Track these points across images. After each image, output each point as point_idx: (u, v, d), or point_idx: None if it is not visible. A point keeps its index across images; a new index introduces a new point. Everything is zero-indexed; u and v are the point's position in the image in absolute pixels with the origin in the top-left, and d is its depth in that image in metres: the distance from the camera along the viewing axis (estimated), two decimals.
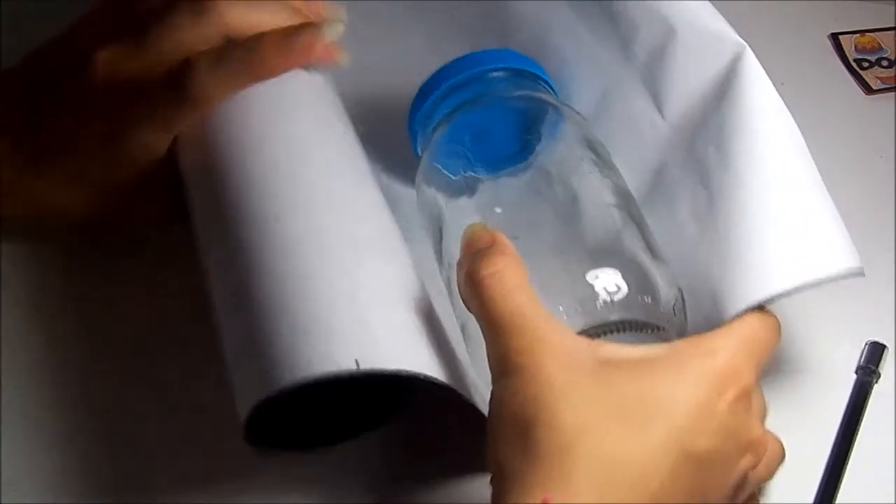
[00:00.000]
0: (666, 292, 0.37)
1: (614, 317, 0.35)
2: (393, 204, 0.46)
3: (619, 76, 0.46)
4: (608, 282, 0.36)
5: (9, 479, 0.38)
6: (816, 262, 0.37)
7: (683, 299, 0.38)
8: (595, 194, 0.40)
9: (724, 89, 0.41)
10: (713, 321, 0.36)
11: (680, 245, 0.40)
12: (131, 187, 0.42)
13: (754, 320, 0.35)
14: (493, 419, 0.32)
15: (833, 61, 0.57)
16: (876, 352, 0.43)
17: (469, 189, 0.41)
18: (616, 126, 0.45)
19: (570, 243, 0.38)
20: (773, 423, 0.42)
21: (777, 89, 0.55)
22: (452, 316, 0.40)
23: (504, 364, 0.32)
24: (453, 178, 0.41)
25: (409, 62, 0.50)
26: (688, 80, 0.43)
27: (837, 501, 0.40)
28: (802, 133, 0.53)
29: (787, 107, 0.52)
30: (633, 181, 0.42)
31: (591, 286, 0.36)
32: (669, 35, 0.43)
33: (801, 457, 0.41)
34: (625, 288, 0.36)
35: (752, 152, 0.39)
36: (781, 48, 0.57)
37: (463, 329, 0.38)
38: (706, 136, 0.41)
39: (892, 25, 0.59)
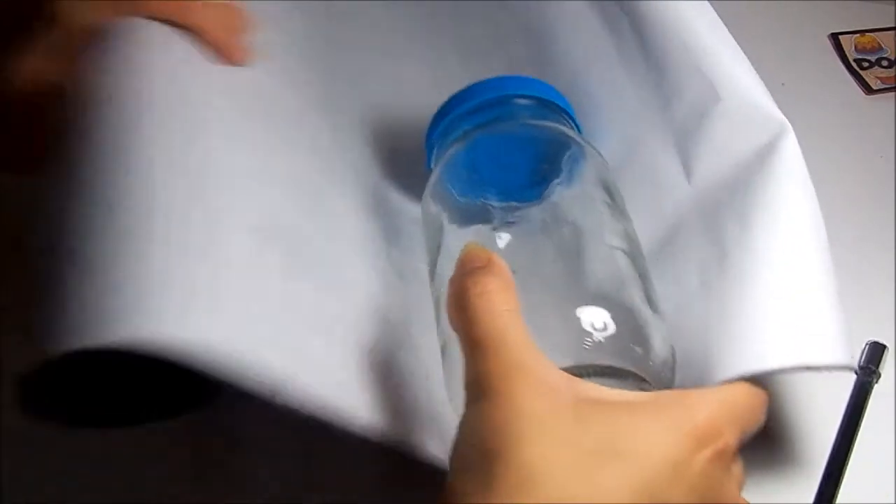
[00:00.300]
0: (658, 347, 0.36)
1: (602, 360, 0.34)
2: (398, 219, 0.46)
3: (650, 131, 0.45)
4: (596, 319, 0.35)
5: None
6: (810, 349, 0.36)
7: (674, 359, 0.37)
8: (603, 237, 0.39)
9: (758, 165, 0.41)
10: (700, 385, 0.36)
11: (681, 305, 0.39)
12: (24, 122, 0.39)
13: (743, 388, 0.34)
14: (458, 444, 0.31)
15: (833, 61, 0.57)
16: (876, 352, 0.43)
17: (475, 212, 0.40)
18: (638, 179, 0.45)
19: (570, 283, 0.37)
20: (774, 424, 0.42)
21: (777, 89, 0.55)
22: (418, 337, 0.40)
23: (479, 387, 0.31)
24: (461, 198, 0.41)
25: (440, 83, 0.48)
26: (723, 150, 0.42)
27: (837, 501, 0.40)
28: (803, 133, 0.54)
29: (788, 107, 0.53)
30: (646, 236, 0.42)
31: (580, 324, 0.35)
32: (713, 101, 0.43)
33: (801, 457, 0.41)
34: (612, 327, 0.35)
35: (773, 233, 0.38)
36: (781, 48, 0.57)
37: (443, 348, 0.37)
38: (731, 207, 0.40)
39: (892, 25, 0.59)
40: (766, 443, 0.42)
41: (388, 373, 0.38)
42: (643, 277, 0.38)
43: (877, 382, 0.43)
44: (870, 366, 0.43)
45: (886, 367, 0.43)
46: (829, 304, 0.38)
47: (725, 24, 0.56)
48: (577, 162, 0.41)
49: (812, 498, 0.40)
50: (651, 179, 0.44)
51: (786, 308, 0.37)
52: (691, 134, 0.43)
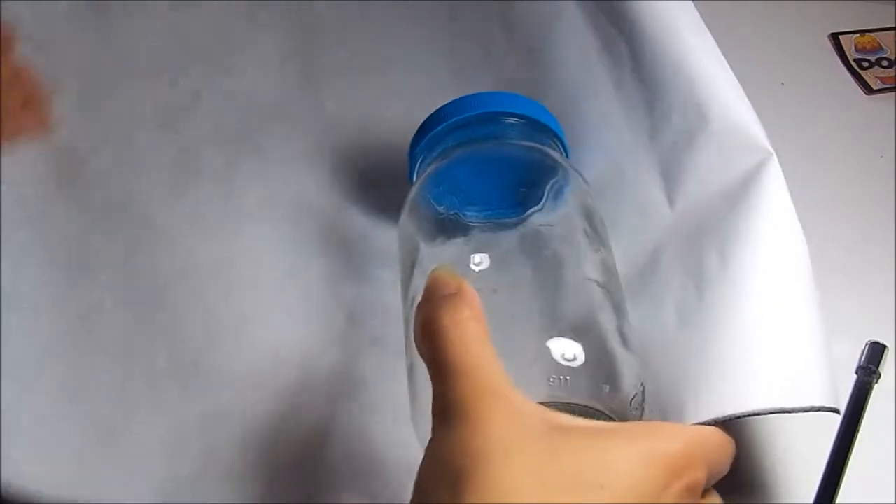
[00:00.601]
0: (627, 385, 0.35)
1: (568, 398, 0.34)
2: (371, 235, 0.47)
3: (637, 155, 0.45)
4: (566, 352, 0.34)
5: None
6: (791, 391, 0.35)
7: (644, 396, 0.36)
8: (579, 267, 0.38)
9: (740, 194, 0.40)
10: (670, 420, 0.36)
11: (658, 339, 0.39)
12: None
13: (714, 429, 0.34)
14: (425, 467, 0.31)
15: (833, 61, 0.57)
16: (876, 352, 0.43)
17: (452, 230, 0.39)
18: (623, 204, 0.44)
19: (541, 313, 0.36)
20: (773, 421, 0.42)
21: (777, 89, 0.55)
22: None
23: (450, 410, 0.31)
24: (440, 214, 0.40)
25: (429, 95, 0.48)
26: (706, 176, 0.42)
27: (837, 501, 0.40)
28: (802, 133, 0.54)
29: (787, 107, 0.52)
30: (627, 263, 0.42)
31: (548, 357, 0.34)
32: (701, 124, 0.43)
33: (801, 456, 0.41)
34: (579, 362, 0.34)
35: (754, 267, 0.38)
36: (781, 48, 0.57)
37: (410, 369, 0.37)
38: (711, 236, 0.40)
39: (892, 25, 0.59)
40: (764, 450, 0.42)
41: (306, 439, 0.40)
42: (617, 311, 0.37)
43: (877, 382, 0.43)
44: (870, 366, 0.43)
45: (886, 367, 0.43)
46: (812, 343, 0.37)
47: (726, 25, 0.56)
48: (561, 187, 0.41)
49: (812, 498, 0.40)
50: (635, 205, 0.44)
51: (765, 348, 0.36)
52: (677, 158, 0.43)
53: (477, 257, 0.37)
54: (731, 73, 0.45)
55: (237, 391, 0.41)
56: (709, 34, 0.46)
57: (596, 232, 0.40)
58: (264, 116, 0.51)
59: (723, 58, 0.45)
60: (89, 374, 0.41)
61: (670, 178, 0.43)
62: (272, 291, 0.45)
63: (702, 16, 0.53)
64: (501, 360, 0.32)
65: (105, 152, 0.47)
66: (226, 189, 0.48)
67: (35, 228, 0.45)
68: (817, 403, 0.35)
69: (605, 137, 0.46)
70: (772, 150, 0.41)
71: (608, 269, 0.38)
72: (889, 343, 0.44)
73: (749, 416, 0.35)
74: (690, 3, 0.48)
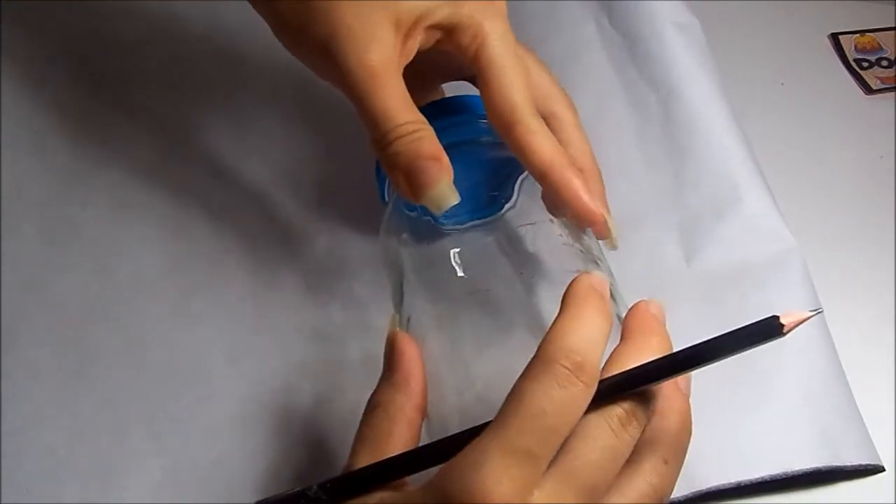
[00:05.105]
0: None
1: None
2: (350, 253, 0.46)
3: (656, 208, 0.47)
4: None
5: None
6: (838, 450, 0.40)
7: None
8: (564, 260, 0.38)
9: (765, 274, 0.44)
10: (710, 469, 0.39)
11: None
12: None
13: None
14: None
15: (833, 61, 0.57)
16: None
17: (432, 242, 0.39)
18: (632, 248, 0.46)
19: (532, 311, 0.36)
20: None
21: (777, 89, 0.55)
22: None
23: None
24: (417, 229, 0.39)
25: None
26: (730, 247, 0.45)
27: (837, 501, 0.40)
28: (803, 133, 0.53)
29: (787, 107, 0.52)
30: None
31: None
32: (734, 201, 0.46)
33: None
34: None
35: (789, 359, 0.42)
36: (781, 48, 0.57)
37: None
38: (740, 306, 0.44)
39: (892, 25, 0.59)
40: None
41: None
42: (612, 298, 0.36)
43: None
44: None
45: (886, 365, 0.43)
46: (849, 406, 0.41)
47: (726, 24, 0.56)
48: (532, 182, 0.39)
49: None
50: (648, 252, 0.46)
51: (808, 410, 0.40)
52: (701, 223, 0.46)
53: (460, 263, 0.37)
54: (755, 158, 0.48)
55: (232, 432, 0.41)
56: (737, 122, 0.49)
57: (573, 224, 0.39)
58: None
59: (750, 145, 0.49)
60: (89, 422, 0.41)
61: (689, 237, 0.46)
62: (252, 323, 0.45)
63: (702, 15, 0.53)
64: (500, 364, 0.33)
65: None
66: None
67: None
68: (865, 461, 0.40)
69: (620, 185, 0.47)
70: (797, 245, 0.45)
71: (594, 257, 0.38)
72: (889, 342, 0.44)
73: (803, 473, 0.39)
74: (718, 76, 0.51)
